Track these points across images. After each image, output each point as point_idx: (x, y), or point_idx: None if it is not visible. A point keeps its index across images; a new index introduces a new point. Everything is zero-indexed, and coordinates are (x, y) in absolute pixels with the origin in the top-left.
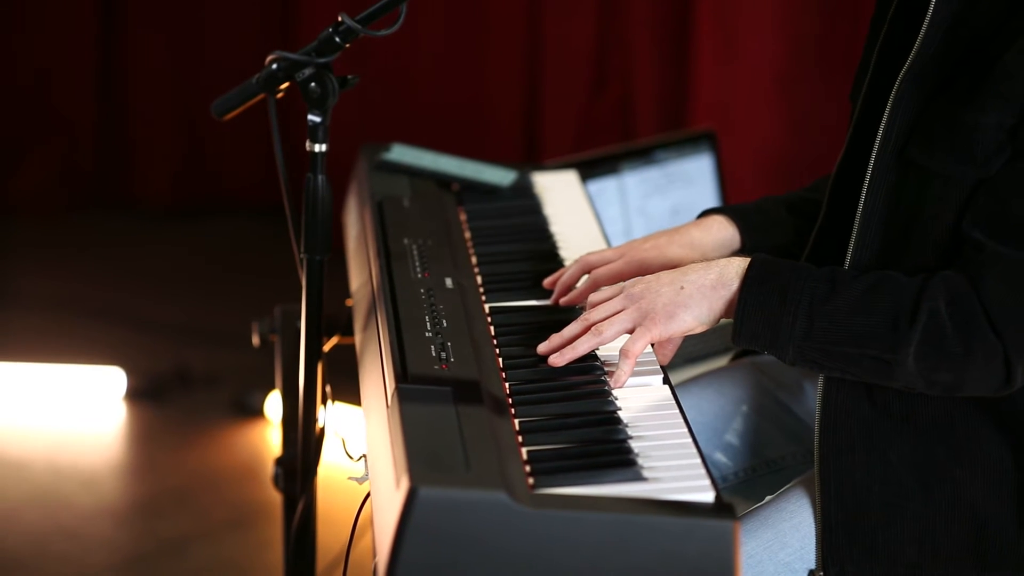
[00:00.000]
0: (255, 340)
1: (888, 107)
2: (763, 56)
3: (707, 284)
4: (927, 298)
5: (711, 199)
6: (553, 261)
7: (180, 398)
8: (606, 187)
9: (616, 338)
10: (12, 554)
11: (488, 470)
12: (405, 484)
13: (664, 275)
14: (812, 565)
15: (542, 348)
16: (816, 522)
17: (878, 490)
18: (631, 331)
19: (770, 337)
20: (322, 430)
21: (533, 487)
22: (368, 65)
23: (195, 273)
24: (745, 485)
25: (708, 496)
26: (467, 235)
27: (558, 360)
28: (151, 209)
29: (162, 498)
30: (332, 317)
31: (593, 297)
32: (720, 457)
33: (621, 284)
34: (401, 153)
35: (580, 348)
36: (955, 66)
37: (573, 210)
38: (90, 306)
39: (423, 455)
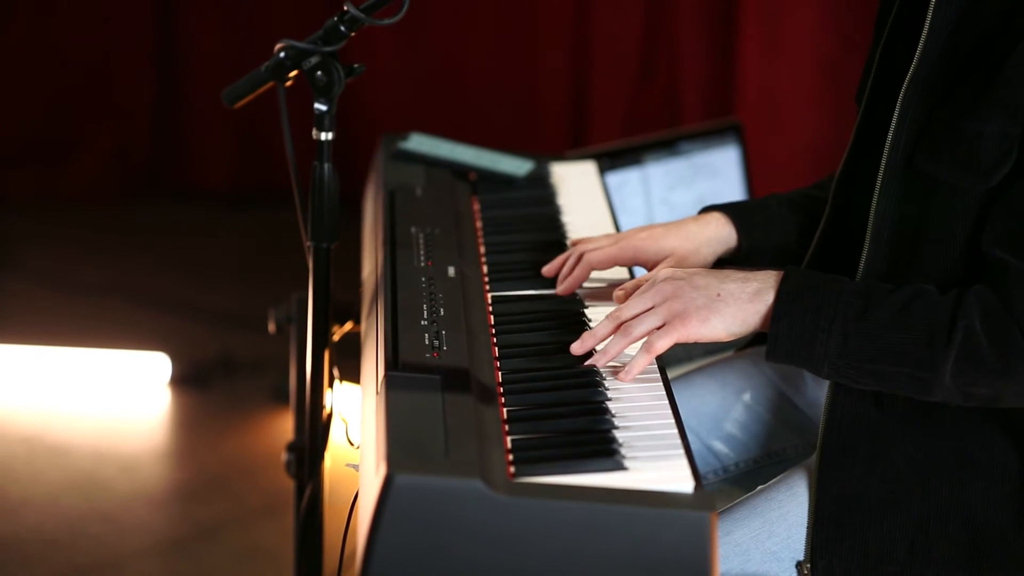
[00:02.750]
0: (271, 327)
1: (895, 116)
2: (808, 47)
3: (744, 297)
4: (962, 316)
5: (737, 191)
6: (560, 251)
7: (223, 385)
8: (629, 178)
9: (645, 336)
10: (49, 536)
11: (467, 458)
12: (383, 470)
13: (699, 276)
14: (799, 554)
15: (575, 348)
16: (809, 513)
17: (876, 486)
18: (659, 328)
19: (805, 354)
20: (329, 416)
21: (514, 475)
22: (419, 57)
23: (245, 261)
24: (747, 476)
25: (687, 487)
26: (478, 224)
27: (595, 362)
28: (206, 198)
29: (200, 484)
30: (348, 304)
31: (618, 293)
32: (722, 447)
33: (651, 278)
34: (419, 142)
35: (611, 351)
36: (960, 73)
37: (587, 201)
38: (139, 293)
39: (404, 442)
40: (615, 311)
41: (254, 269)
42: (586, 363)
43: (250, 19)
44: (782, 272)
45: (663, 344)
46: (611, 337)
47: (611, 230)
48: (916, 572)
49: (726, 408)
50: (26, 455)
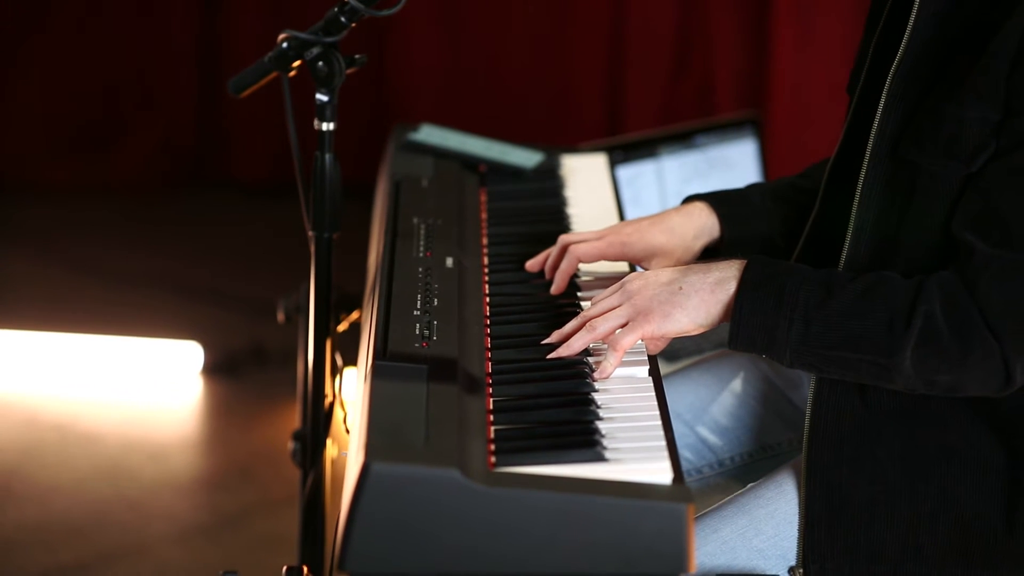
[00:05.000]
0: (280, 316)
1: (881, 104)
2: (841, 42)
3: (705, 287)
4: (922, 301)
5: None
6: None
7: (255, 374)
8: (644, 171)
9: (610, 334)
10: (75, 523)
11: (445, 447)
12: (360, 459)
13: (663, 273)
14: (784, 552)
15: (546, 342)
16: (799, 517)
17: (864, 487)
18: (624, 326)
19: (766, 342)
20: (331, 404)
21: (494, 465)
22: (457, 50)
23: (283, 251)
24: (742, 470)
25: (666, 478)
26: (483, 215)
27: (559, 354)
28: (248, 188)
29: (226, 472)
30: (358, 293)
31: (596, 297)
32: (717, 441)
33: (620, 282)
34: (429, 134)
35: (575, 346)
36: (944, 62)
37: (594, 193)
38: (177, 282)
39: (384, 431)
40: (585, 311)
41: (291, 259)
42: (549, 355)
43: (294, 13)
44: (744, 261)
45: (628, 341)
46: (577, 333)
47: (615, 221)
48: (909, 571)
49: (721, 402)
50: (57, 442)
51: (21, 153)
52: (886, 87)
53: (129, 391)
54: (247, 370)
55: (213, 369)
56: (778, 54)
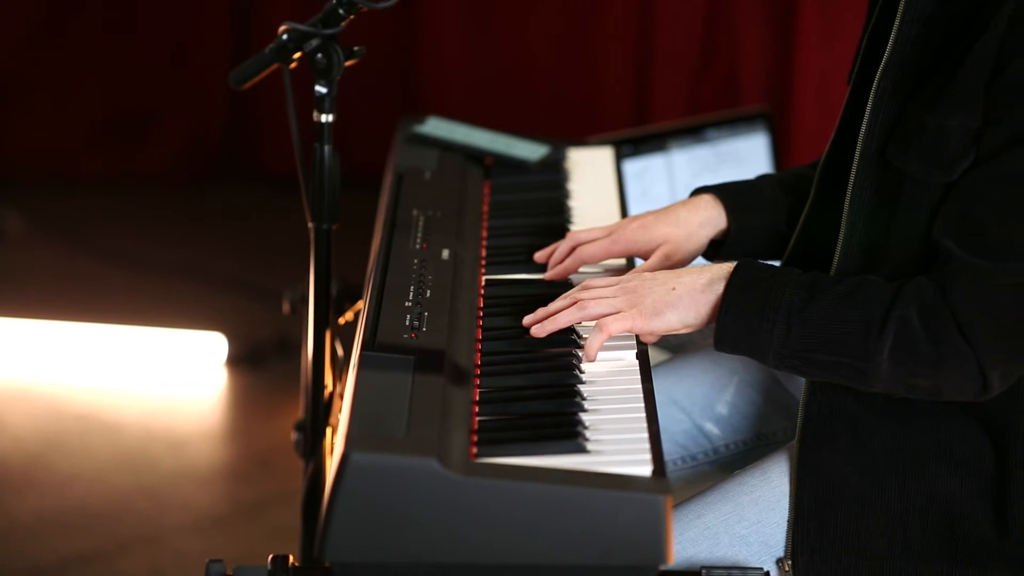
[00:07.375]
0: (285, 307)
1: (869, 106)
2: None
3: (697, 288)
4: (898, 306)
5: None
6: (561, 236)
7: (278, 366)
8: (653, 164)
9: (597, 318)
10: (93, 511)
11: (426, 437)
12: (340, 448)
13: (660, 274)
14: (767, 539)
15: (527, 320)
16: (790, 509)
17: (855, 479)
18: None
19: (750, 343)
20: (331, 395)
21: (476, 456)
22: (485, 45)
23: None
24: (736, 458)
25: (645, 470)
26: (485, 208)
27: (538, 331)
28: (278, 181)
29: (246, 462)
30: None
31: (589, 281)
32: (713, 429)
33: (618, 277)
34: (435, 126)
35: (561, 320)
36: (930, 65)
37: (597, 186)
38: (205, 274)
39: (365, 421)
40: (574, 291)
41: None
42: (532, 330)
43: (325, 4)
44: (735, 264)
45: (616, 327)
46: (566, 310)
47: (618, 216)
48: (896, 565)
49: (718, 389)
50: (79, 431)
51: (52, 146)
52: (874, 87)
53: (153, 381)
54: (271, 362)
55: (237, 360)
56: (803, 49)
